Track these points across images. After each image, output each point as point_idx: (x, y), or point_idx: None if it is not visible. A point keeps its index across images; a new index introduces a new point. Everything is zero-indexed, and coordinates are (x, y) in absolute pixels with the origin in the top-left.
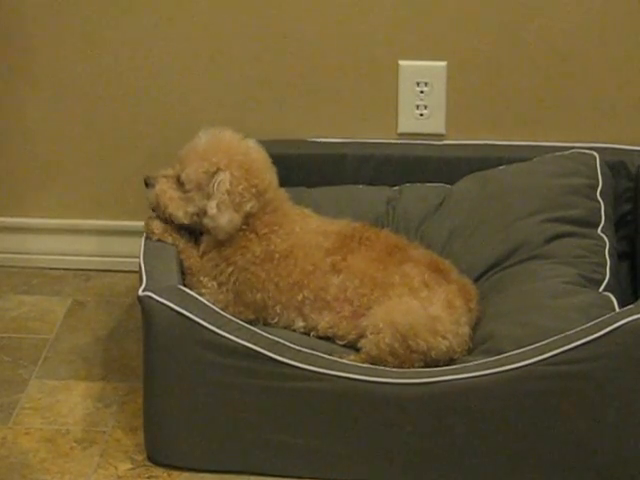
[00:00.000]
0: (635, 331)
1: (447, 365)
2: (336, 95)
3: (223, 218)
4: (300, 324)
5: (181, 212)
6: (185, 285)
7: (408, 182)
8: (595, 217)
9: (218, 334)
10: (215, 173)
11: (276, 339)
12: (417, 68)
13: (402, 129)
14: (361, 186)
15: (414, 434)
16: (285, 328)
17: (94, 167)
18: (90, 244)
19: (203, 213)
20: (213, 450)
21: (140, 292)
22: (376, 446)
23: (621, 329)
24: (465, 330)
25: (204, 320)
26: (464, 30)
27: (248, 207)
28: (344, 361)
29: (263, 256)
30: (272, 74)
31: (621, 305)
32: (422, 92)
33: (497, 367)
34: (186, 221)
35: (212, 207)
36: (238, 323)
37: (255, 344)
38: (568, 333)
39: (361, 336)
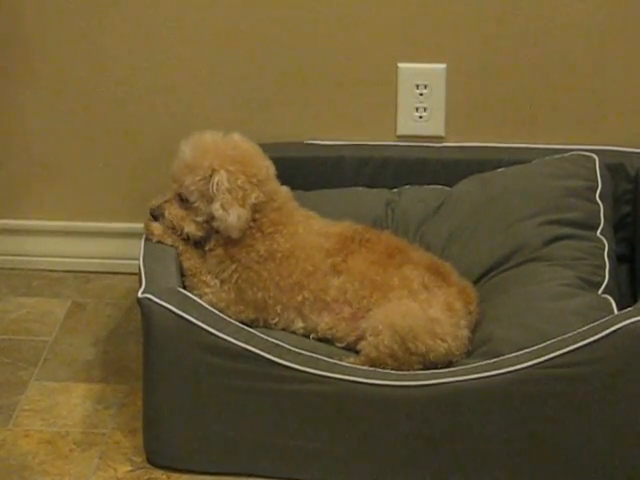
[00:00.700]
0: (634, 334)
1: (446, 367)
2: (335, 97)
3: (231, 216)
4: (300, 325)
5: (193, 226)
6: (185, 287)
7: (407, 184)
8: (594, 219)
9: (217, 336)
10: (211, 176)
11: (276, 341)
12: (416, 70)
13: (401, 131)
14: (360, 188)
15: (413, 436)
16: (285, 329)
17: (94, 169)
18: (90, 246)
19: (212, 218)
20: (212, 452)
21: (139, 294)
22: (375, 448)
23: (620, 332)
24: (464, 333)
25: (203, 322)
26: (463, 32)
27: (253, 198)
28: (343, 363)
29: (266, 255)
30: (271, 76)
31: (620, 308)
32: (421, 94)
33: (495, 370)
34: (200, 233)
35: (217, 209)
36: (237, 325)
37: (254, 346)
38: (566, 336)
39: (360, 338)
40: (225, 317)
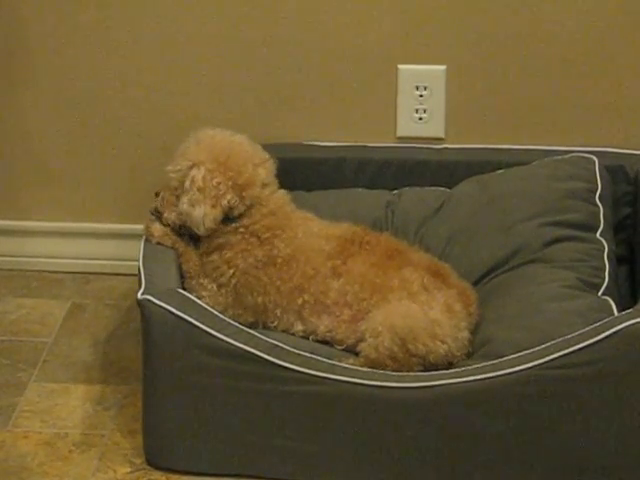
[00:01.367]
0: (634, 335)
1: (446, 369)
2: (335, 98)
3: (195, 212)
4: (299, 328)
5: (173, 215)
6: (184, 288)
7: (407, 186)
8: (594, 221)
9: (217, 337)
10: (190, 169)
11: (275, 342)
12: (416, 72)
13: (401, 133)
14: (360, 190)
15: (413, 438)
16: (284, 331)
17: (93, 170)
18: (89, 247)
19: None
20: (212, 453)
21: (139, 295)
22: (375, 450)
23: (620, 333)
24: (464, 334)
25: (203, 323)
26: (463, 34)
27: (226, 200)
28: (343, 365)
29: (266, 260)
30: (271, 77)
31: (620, 309)
32: (421, 96)
33: (495, 371)
34: (178, 222)
35: (183, 202)
36: (237, 327)
37: (254, 347)
38: (566, 337)
39: (360, 340)
40: (225, 318)
